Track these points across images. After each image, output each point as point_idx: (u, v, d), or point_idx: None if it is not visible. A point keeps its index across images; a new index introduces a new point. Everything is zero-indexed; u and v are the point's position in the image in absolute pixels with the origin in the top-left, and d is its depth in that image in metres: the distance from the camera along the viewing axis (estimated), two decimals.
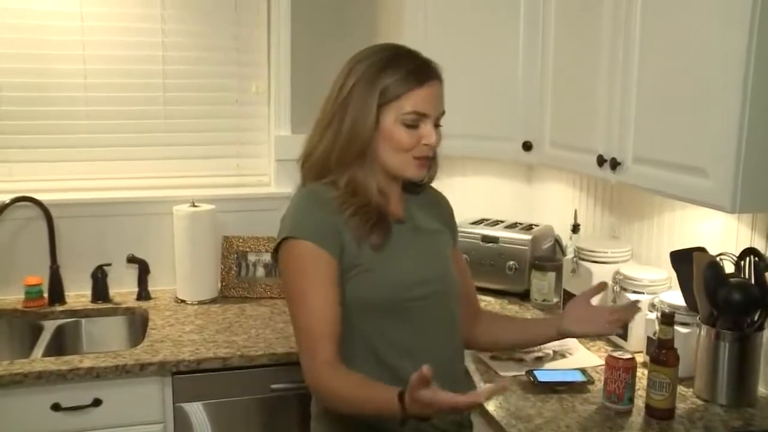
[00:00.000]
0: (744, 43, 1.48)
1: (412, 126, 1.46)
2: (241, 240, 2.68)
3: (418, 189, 1.64)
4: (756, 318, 1.79)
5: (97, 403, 2.05)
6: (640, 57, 1.80)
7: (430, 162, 1.54)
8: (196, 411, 2.14)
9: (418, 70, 1.47)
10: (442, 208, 1.71)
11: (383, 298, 1.48)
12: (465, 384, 1.63)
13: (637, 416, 1.75)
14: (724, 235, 1.99)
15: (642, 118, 1.81)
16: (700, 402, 1.82)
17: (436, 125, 1.51)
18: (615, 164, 1.89)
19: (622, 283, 2.16)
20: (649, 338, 1.96)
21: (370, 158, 1.48)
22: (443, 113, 1.52)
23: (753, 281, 1.80)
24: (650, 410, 1.74)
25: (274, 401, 2.18)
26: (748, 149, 1.52)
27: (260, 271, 2.67)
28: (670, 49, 1.70)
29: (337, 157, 1.48)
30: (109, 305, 2.54)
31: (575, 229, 2.55)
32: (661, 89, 1.74)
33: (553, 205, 2.82)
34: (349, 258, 1.46)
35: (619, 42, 1.87)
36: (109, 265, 2.58)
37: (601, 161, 1.94)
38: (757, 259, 1.82)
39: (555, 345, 2.07)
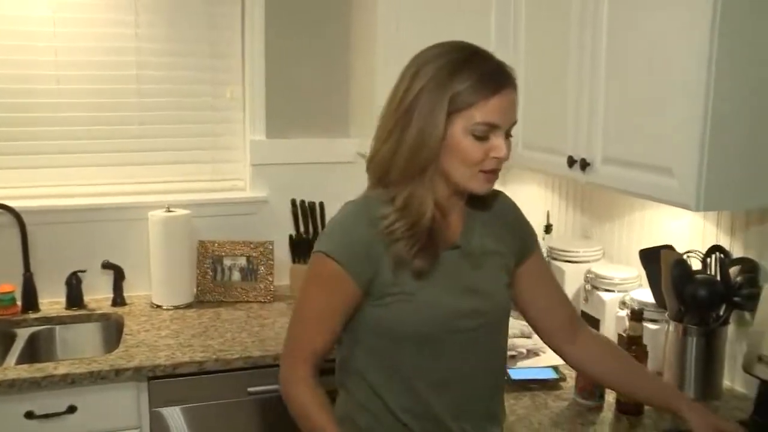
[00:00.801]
0: (706, 45, 1.52)
1: (482, 138, 1.33)
2: (216, 244, 2.68)
3: (485, 200, 1.49)
4: (721, 313, 1.84)
5: (72, 409, 2.04)
6: (608, 60, 1.84)
7: (497, 174, 1.40)
8: (173, 415, 2.14)
9: (492, 77, 1.33)
10: (507, 221, 1.55)
11: (422, 328, 1.38)
12: (494, 424, 1.52)
13: (608, 412, 1.79)
14: (691, 234, 2.03)
15: (610, 119, 1.85)
16: None
17: (507, 136, 1.37)
18: (584, 165, 1.92)
19: (593, 281, 2.20)
20: (619, 335, 1.99)
21: (432, 170, 1.35)
22: (515, 123, 1.38)
23: (718, 277, 1.84)
24: (620, 405, 1.78)
25: (251, 404, 2.19)
26: (711, 149, 1.56)
27: (236, 275, 2.67)
28: (635, 51, 1.74)
29: (400, 169, 1.35)
30: (84, 312, 2.53)
31: (548, 229, 2.59)
32: (628, 91, 1.77)
33: (525, 206, 2.78)
34: (382, 285, 1.37)
35: (587, 45, 1.90)
36: (83, 271, 2.57)
37: (571, 162, 1.97)
38: (722, 255, 1.87)
39: (528, 343, 2.10)
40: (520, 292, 1.56)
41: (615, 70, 1.82)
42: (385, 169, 1.38)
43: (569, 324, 1.58)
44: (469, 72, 1.32)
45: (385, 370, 1.42)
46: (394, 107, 1.37)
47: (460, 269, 1.43)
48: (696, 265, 1.91)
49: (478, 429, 1.47)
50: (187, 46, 2.72)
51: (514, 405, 1.81)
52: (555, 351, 1.62)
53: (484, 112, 1.31)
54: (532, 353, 2.09)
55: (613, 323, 2.09)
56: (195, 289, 2.67)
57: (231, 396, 2.17)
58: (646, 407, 1.76)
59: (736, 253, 1.88)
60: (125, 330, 2.37)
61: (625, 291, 2.13)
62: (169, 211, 2.60)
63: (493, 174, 1.38)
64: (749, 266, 1.82)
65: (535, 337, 2.19)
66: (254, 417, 2.20)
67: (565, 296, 1.63)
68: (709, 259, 1.90)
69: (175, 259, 2.58)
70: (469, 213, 1.47)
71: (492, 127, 1.33)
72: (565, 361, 1.63)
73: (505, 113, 1.34)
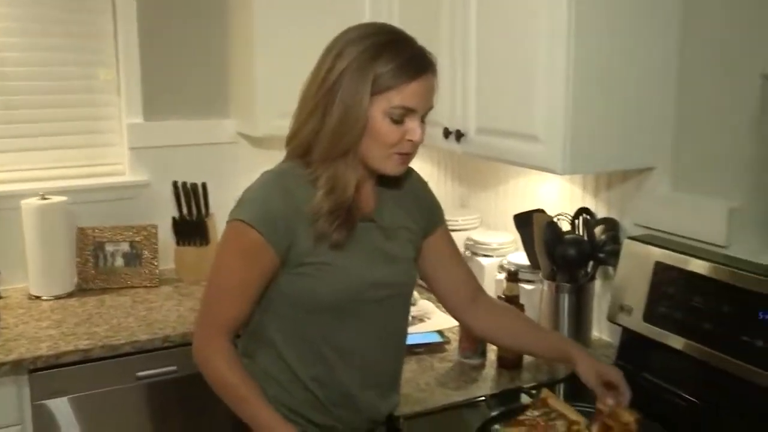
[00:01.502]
0: (564, 17, 1.63)
1: (398, 121, 1.36)
2: (97, 230, 2.60)
3: (398, 177, 1.49)
4: (589, 270, 1.97)
5: None
6: (478, 33, 1.92)
7: (411, 156, 1.43)
8: (58, 406, 2.07)
9: (414, 62, 1.36)
10: (416, 197, 1.58)
11: (337, 297, 1.41)
12: (395, 392, 1.58)
13: (490, 368, 1.89)
14: (560, 197, 2.16)
15: (482, 90, 1.94)
16: None
17: (422, 120, 1.40)
18: (459, 136, 2.01)
19: (472, 248, 2.30)
20: (498, 297, 2.09)
21: (353, 152, 1.38)
22: (431, 108, 1.41)
23: (585, 237, 1.98)
24: (501, 361, 1.88)
25: (141, 389, 2.16)
26: (572, 116, 1.67)
27: (119, 261, 2.61)
28: (502, 25, 1.83)
29: (324, 149, 1.37)
30: None
31: None
32: (497, 63, 1.86)
33: None
34: (300, 254, 1.38)
35: (458, 18, 1.98)
36: None
37: (446, 133, 2.05)
38: (588, 216, 2.01)
39: (413, 310, 2.17)
40: (425, 267, 1.61)
41: (485, 43, 1.90)
42: (305, 149, 1.40)
43: (473, 297, 1.64)
44: (392, 55, 1.34)
45: (296, 339, 1.44)
46: (316, 87, 1.37)
47: (375, 241, 1.46)
48: (566, 226, 2.04)
49: (382, 397, 1.52)
50: (54, 27, 2.59)
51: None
52: (460, 323, 1.70)
53: (402, 95, 1.34)
54: (417, 319, 2.17)
55: (492, 286, 2.20)
56: (76, 278, 2.58)
57: (119, 382, 2.13)
58: (525, 361, 1.88)
59: (601, 213, 2.02)
60: (1, 324, 2.26)
61: (503, 255, 2.24)
62: (44, 199, 2.49)
63: (407, 156, 1.41)
64: (611, 225, 1.97)
65: (420, 303, 2.28)
66: (143, 401, 2.17)
67: (469, 271, 1.68)
68: (576, 221, 2.03)
69: (53, 247, 2.48)
70: (381, 189, 1.50)
71: (409, 111, 1.36)
72: (471, 332, 1.70)
73: (422, 98, 1.37)
